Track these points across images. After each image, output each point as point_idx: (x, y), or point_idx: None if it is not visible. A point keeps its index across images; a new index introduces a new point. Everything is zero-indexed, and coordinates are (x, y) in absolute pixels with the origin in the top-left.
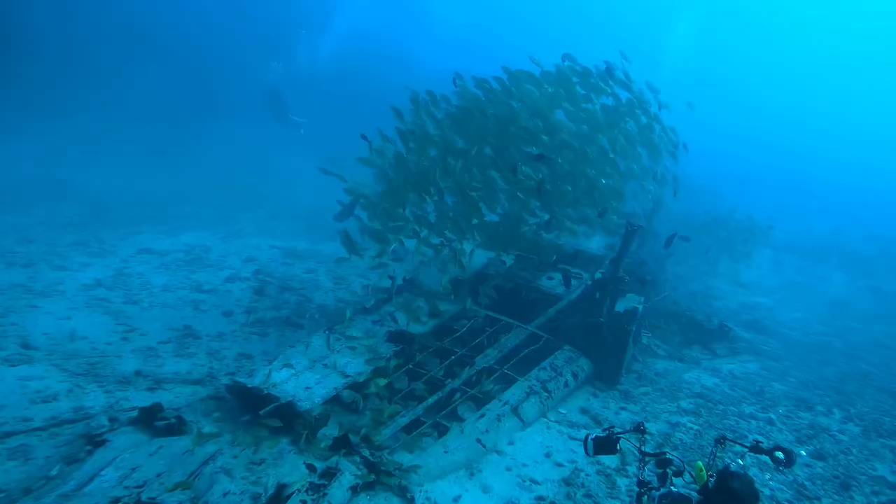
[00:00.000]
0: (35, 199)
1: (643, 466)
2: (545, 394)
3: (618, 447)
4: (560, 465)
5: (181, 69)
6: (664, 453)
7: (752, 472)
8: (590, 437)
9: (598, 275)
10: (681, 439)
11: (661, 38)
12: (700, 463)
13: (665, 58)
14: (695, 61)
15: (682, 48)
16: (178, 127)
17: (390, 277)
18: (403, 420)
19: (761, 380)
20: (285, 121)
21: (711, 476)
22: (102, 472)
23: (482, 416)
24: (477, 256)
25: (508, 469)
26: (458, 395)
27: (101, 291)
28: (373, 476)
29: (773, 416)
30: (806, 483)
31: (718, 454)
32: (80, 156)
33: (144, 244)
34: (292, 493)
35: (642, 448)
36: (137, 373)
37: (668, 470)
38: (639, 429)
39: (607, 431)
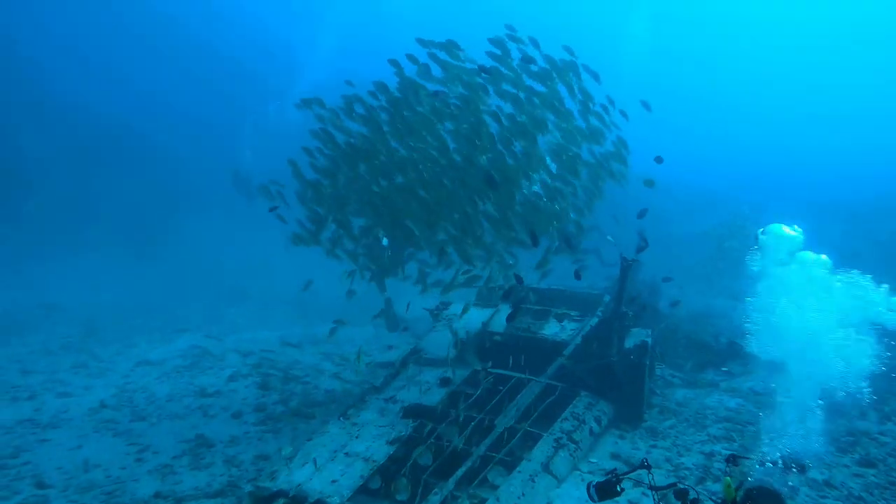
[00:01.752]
0: (27, 327)
1: (659, 502)
2: (573, 445)
3: (619, 488)
4: None
5: (146, 165)
6: (675, 484)
7: (803, 490)
8: (591, 486)
9: (598, 314)
10: (721, 469)
11: (616, 45)
12: (728, 479)
13: (624, 63)
14: (654, 62)
15: (638, 50)
16: (152, 229)
17: (390, 347)
18: (436, 498)
19: None
20: (251, 199)
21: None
22: None
23: (515, 479)
24: (474, 315)
25: None
26: (485, 461)
27: (108, 413)
28: None
29: None
30: (863, 495)
31: (734, 472)
32: (63, 277)
33: (141, 356)
34: None
35: (652, 483)
36: (157, 494)
37: (687, 501)
38: (643, 464)
39: (608, 475)
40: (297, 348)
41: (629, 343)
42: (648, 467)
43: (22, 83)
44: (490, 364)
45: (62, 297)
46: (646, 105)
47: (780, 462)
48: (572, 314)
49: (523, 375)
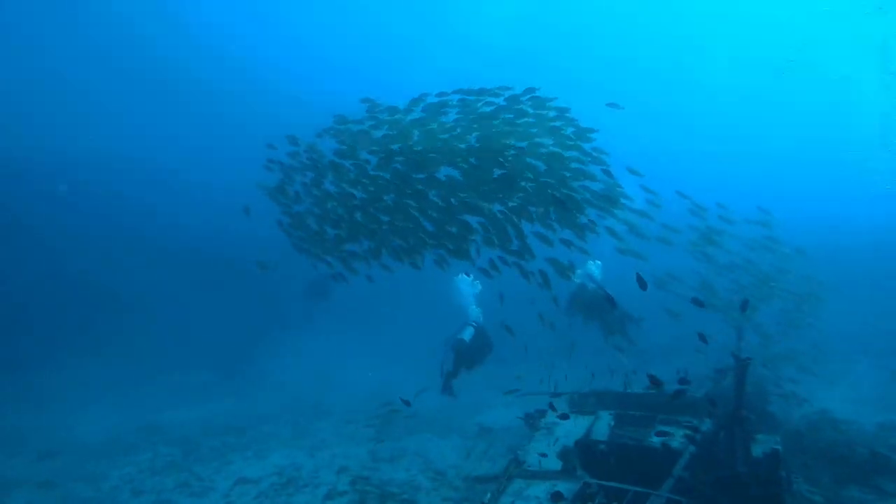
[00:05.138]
0: (134, 448)
1: None
2: None
3: None
4: None
5: (231, 283)
6: None
7: None
8: None
9: (707, 422)
10: None
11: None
12: None
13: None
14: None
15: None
16: (233, 348)
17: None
18: None
19: None
20: (325, 300)
21: None
22: None
23: None
24: (572, 423)
25: None
26: None
27: None
28: None
29: None
30: None
31: None
32: (159, 397)
33: (238, 473)
34: None
35: None
36: None
37: None
38: None
39: None
40: (389, 463)
41: (756, 451)
42: None
43: (123, 216)
44: (598, 476)
45: (160, 416)
46: (614, 105)
47: None
48: (680, 419)
49: (640, 489)
